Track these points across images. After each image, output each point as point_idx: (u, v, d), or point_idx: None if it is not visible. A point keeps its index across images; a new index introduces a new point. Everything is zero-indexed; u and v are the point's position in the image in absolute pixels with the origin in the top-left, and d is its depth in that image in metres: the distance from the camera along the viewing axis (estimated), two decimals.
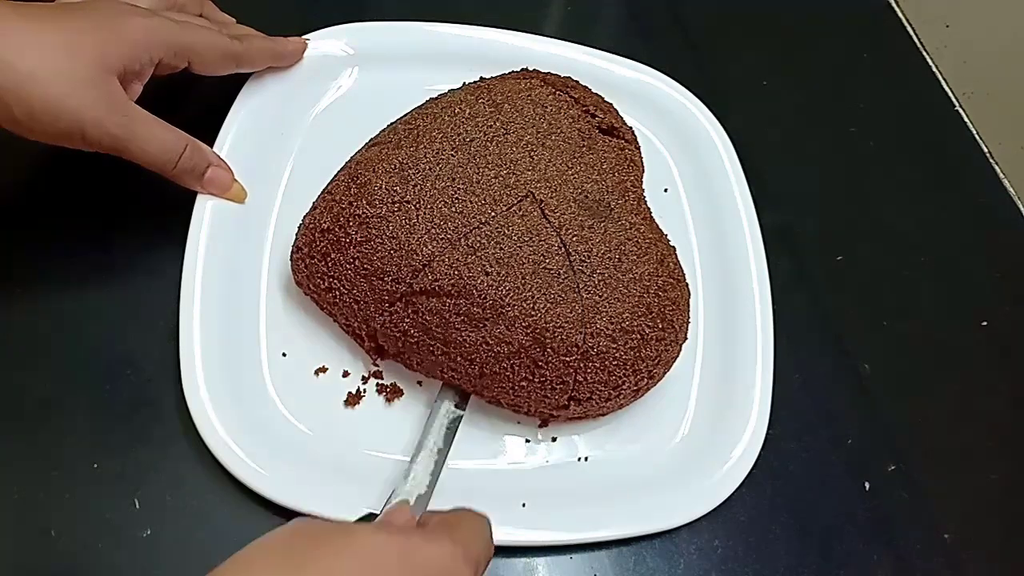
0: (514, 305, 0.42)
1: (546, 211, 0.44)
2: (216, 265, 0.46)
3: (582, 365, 0.43)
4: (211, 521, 0.42)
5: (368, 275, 0.43)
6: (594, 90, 0.51)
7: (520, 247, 0.43)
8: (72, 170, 0.49)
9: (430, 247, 0.42)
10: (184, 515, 0.42)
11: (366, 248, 0.43)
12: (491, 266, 0.42)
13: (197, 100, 0.52)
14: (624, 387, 0.44)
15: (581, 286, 0.43)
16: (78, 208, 0.49)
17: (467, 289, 0.42)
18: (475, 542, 0.35)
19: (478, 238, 0.43)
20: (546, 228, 0.44)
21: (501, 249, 0.42)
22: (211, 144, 0.48)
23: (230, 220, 0.47)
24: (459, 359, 0.43)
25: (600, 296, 0.43)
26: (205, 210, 0.47)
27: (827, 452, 0.49)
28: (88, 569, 0.40)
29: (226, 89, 0.51)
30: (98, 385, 0.44)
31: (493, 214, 0.43)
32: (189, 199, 0.47)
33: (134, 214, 0.49)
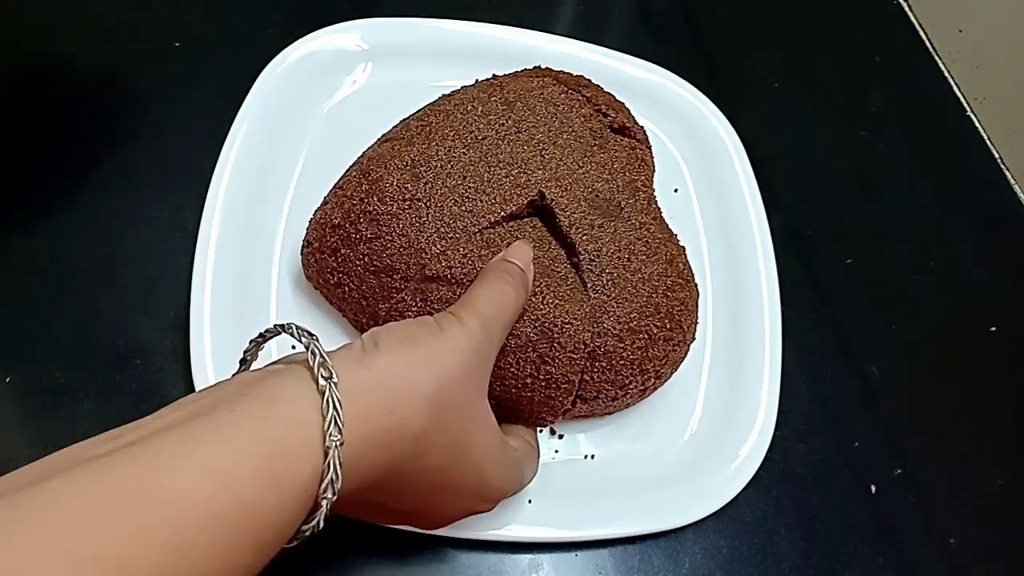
0: None
1: (556, 210, 0.44)
2: (227, 257, 0.46)
3: (589, 364, 0.43)
4: None
5: (377, 272, 0.43)
6: (606, 89, 0.52)
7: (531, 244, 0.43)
8: (82, 161, 0.49)
9: (440, 245, 0.42)
10: None
11: (376, 245, 0.43)
12: None
13: (210, 91, 0.52)
14: (631, 387, 0.44)
15: (590, 285, 0.43)
16: (89, 199, 0.49)
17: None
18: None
19: (491, 235, 0.43)
20: (557, 227, 0.44)
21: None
22: (224, 136, 0.49)
23: (242, 212, 0.48)
24: None
25: (608, 295, 0.43)
26: (217, 201, 0.47)
27: (833, 454, 0.49)
28: None
29: (240, 80, 0.51)
30: (108, 374, 0.44)
31: (504, 214, 0.43)
32: (201, 190, 0.47)
33: (145, 205, 0.49)
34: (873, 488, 0.49)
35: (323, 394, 0.27)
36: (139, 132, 0.52)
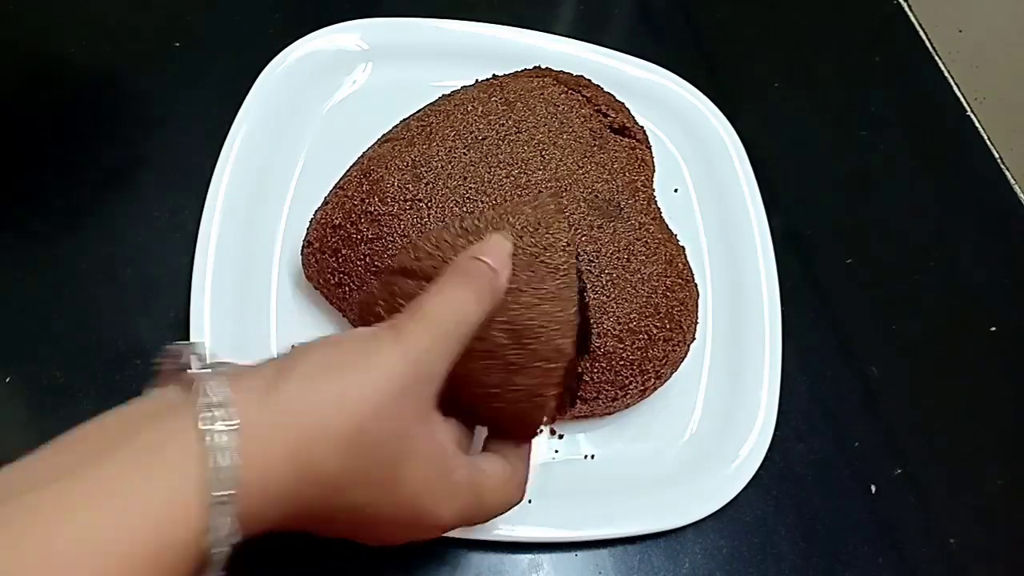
0: None
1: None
2: (227, 257, 0.46)
3: (589, 364, 0.43)
4: None
5: (378, 272, 0.43)
6: (606, 89, 0.52)
7: None
8: (82, 161, 0.49)
9: None
10: None
11: (377, 245, 0.43)
12: None
13: (210, 91, 0.52)
14: (631, 387, 0.44)
15: (589, 286, 0.43)
16: (89, 199, 0.49)
17: None
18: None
19: None
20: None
21: None
22: (224, 136, 0.49)
23: (242, 212, 0.48)
24: None
25: (608, 296, 0.43)
26: (217, 201, 0.47)
27: (833, 455, 0.49)
28: None
29: (240, 80, 0.51)
30: (108, 374, 0.44)
31: None
32: (201, 190, 0.47)
33: (145, 205, 0.49)
34: (873, 488, 0.49)
35: (209, 448, 0.25)
36: (139, 132, 0.52)
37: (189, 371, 0.28)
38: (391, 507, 0.30)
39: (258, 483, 0.26)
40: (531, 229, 0.36)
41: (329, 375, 0.28)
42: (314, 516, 0.28)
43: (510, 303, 0.35)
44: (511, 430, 0.37)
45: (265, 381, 0.27)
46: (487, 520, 0.35)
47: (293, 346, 0.30)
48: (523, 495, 0.36)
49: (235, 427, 0.25)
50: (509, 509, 0.35)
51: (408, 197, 0.43)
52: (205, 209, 0.47)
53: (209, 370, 0.28)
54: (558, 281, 0.36)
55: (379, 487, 0.29)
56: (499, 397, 0.35)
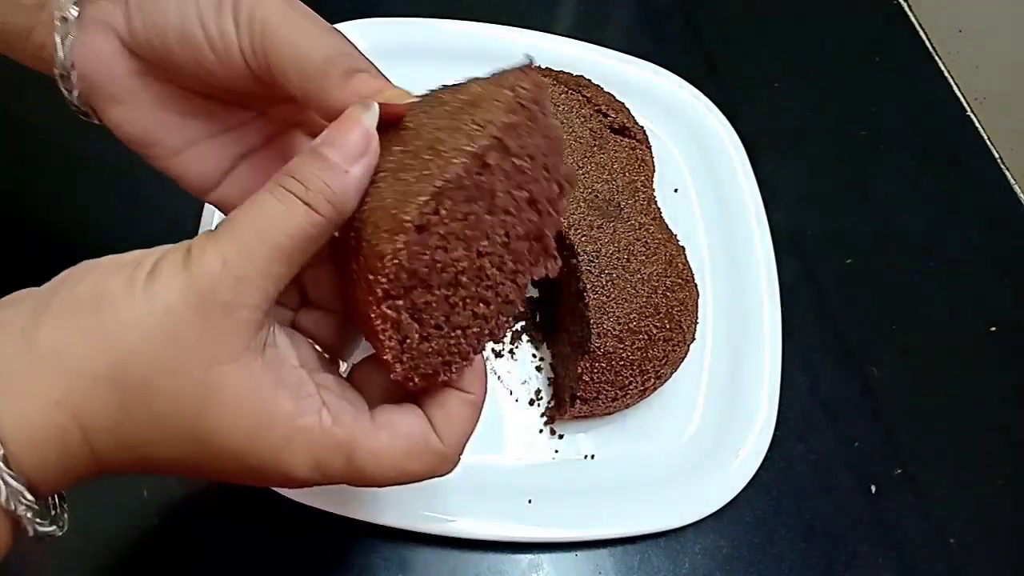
0: None
1: None
2: None
3: (589, 364, 0.43)
4: (218, 512, 0.42)
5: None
6: (606, 89, 0.52)
7: None
8: (82, 161, 0.49)
9: None
10: (192, 505, 0.42)
11: None
12: None
13: None
14: (631, 387, 0.44)
15: (589, 286, 0.43)
16: (89, 199, 0.49)
17: None
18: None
19: None
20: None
21: None
22: None
23: None
24: None
25: (608, 296, 0.43)
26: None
27: (833, 454, 0.49)
28: (96, 557, 0.40)
29: None
30: None
31: None
32: None
33: (145, 205, 0.49)
34: (873, 488, 0.49)
35: None
36: None
37: None
38: (211, 460, 0.26)
39: (27, 438, 0.24)
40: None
41: (94, 309, 0.24)
42: (126, 465, 0.26)
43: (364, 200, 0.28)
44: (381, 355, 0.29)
45: (22, 316, 0.25)
46: (383, 486, 0.29)
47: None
48: (451, 466, 0.30)
49: None
50: (423, 479, 0.29)
51: None
52: (205, 209, 0.47)
53: None
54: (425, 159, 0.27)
55: (179, 440, 0.25)
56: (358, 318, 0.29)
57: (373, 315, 0.27)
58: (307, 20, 0.31)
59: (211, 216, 0.46)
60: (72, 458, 0.25)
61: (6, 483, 0.23)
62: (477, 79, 0.30)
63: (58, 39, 0.31)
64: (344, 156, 0.26)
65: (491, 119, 0.26)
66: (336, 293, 0.31)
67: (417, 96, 0.29)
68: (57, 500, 0.26)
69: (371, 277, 0.26)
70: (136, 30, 0.31)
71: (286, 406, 0.26)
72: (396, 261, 0.26)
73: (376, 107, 0.28)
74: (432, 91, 0.31)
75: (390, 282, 0.26)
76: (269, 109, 0.35)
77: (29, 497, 0.24)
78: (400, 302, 0.27)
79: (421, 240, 0.26)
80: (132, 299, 0.24)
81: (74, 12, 0.30)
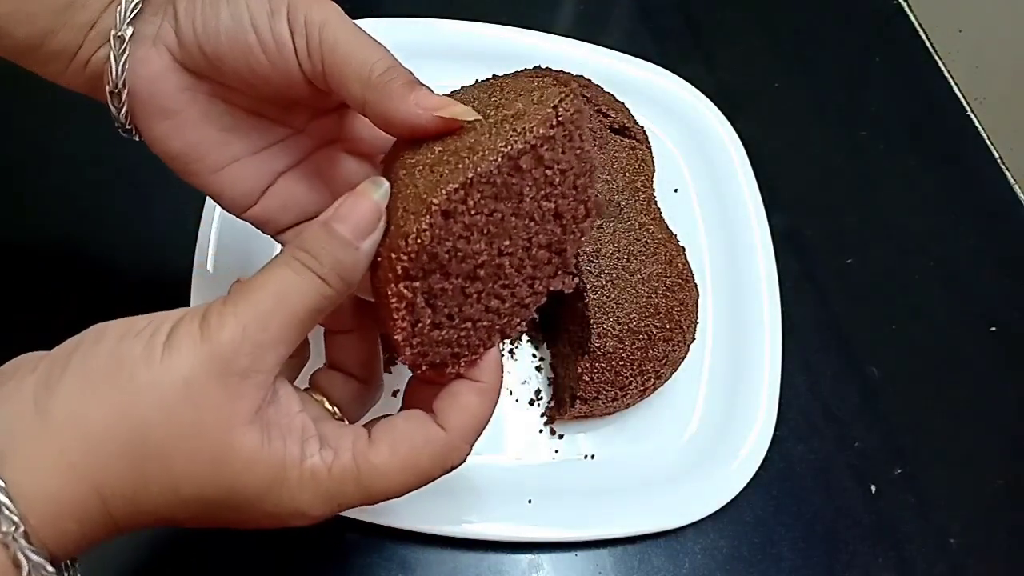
0: None
1: None
2: (227, 257, 0.46)
3: (589, 364, 0.43)
4: None
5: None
6: (606, 89, 0.52)
7: None
8: (82, 161, 0.49)
9: None
10: None
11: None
12: None
13: None
14: (631, 387, 0.44)
15: (589, 286, 0.43)
16: (89, 199, 0.49)
17: None
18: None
19: None
20: None
21: None
22: None
23: None
24: None
25: (608, 296, 0.43)
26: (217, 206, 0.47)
27: (833, 454, 0.49)
28: (95, 556, 0.40)
29: None
30: None
31: None
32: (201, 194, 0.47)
33: (145, 205, 0.49)
34: (873, 488, 0.49)
35: None
36: None
37: None
38: (231, 512, 0.27)
39: (48, 510, 0.24)
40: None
41: (110, 377, 0.25)
42: (143, 525, 0.27)
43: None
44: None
45: (34, 386, 0.25)
46: (401, 495, 0.30)
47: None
48: (460, 453, 0.30)
49: (13, 438, 0.24)
50: (440, 474, 0.30)
51: None
52: (205, 209, 0.47)
53: None
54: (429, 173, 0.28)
55: (197, 499, 0.26)
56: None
57: (390, 293, 0.28)
58: (360, 29, 0.31)
59: (211, 216, 0.46)
60: (92, 525, 0.25)
61: (28, 559, 0.24)
62: (524, 74, 0.31)
63: (112, 58, 0.31)
64: (354, 232, 0.28)
65: (530, 128, 0.28)
66: (357, 359, 0.33)
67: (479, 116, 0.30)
68: (69, 562, 0.26)
69: (393, 256, 0.27)
70: (186, 39, 0.31)
71: (294, 452, 0.27)
72: (420, 241, 0.27)
73: (387, 185, 0.29)
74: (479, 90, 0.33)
75: (411, 261, 0.27)
76: (310, 124, 0.35)
77: (51, 569, 0.25)
78: (417, 284, 0.28)
79: (446, 225, 0.27)
80: (151, 368, 0.25)
81: (129, 31, 0.30)
